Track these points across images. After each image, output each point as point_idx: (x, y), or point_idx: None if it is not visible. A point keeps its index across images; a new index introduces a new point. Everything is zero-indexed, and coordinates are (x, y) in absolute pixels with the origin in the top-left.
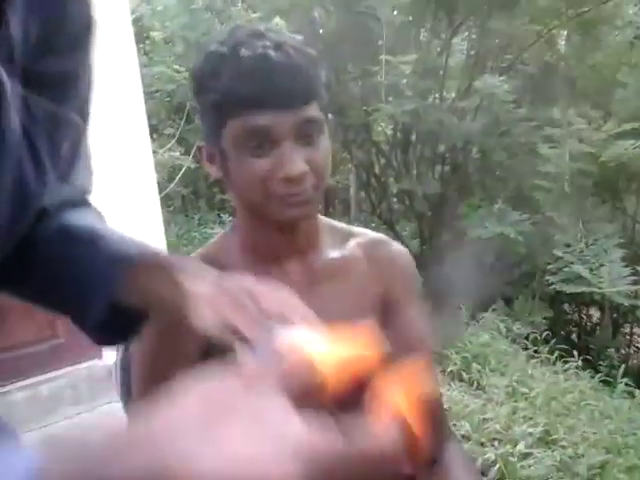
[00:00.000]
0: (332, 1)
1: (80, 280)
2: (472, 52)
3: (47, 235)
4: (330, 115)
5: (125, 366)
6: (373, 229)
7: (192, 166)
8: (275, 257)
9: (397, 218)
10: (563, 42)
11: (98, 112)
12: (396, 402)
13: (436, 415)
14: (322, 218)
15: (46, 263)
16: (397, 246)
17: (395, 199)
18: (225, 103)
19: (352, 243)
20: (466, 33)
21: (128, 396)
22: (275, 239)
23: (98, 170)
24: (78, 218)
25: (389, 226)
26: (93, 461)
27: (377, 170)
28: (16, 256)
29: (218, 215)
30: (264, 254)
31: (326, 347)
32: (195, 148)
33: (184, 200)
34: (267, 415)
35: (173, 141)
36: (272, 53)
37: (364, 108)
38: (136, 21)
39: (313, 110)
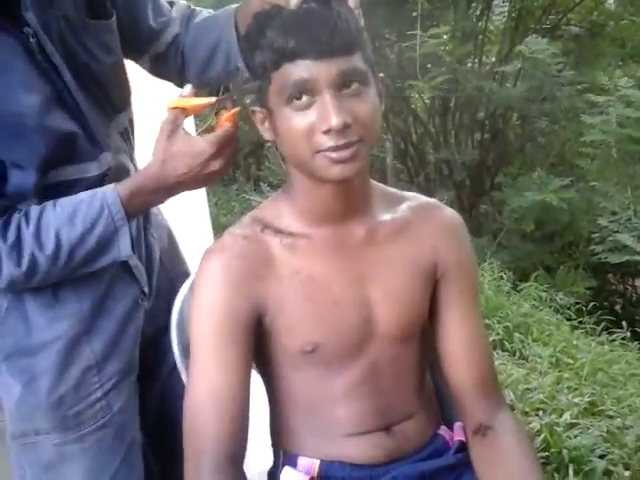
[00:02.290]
0: None
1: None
2: (513, 14)
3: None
4: (381, 74)
5: (181, 326)
6: None
7: None
8: (328, 218)
9: (435, 187)
10: (612, 0)
11: (141, 94)
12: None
13: (489, 383)
14: (373, 182)
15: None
16: (449, 210)
17: (433, 168)
18: (268, 58)
19: (404, 206)
20: None
21: (185, 357)
22: (328, 200)
23: (144, 145)
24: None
25: (427, 195)
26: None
27: (414, 139)
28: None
29: (255, 185)
30: (317, 215)
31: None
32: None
33: None
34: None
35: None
36: (314, 6)
37: (397, 84)
38: None
39: (356, 60)
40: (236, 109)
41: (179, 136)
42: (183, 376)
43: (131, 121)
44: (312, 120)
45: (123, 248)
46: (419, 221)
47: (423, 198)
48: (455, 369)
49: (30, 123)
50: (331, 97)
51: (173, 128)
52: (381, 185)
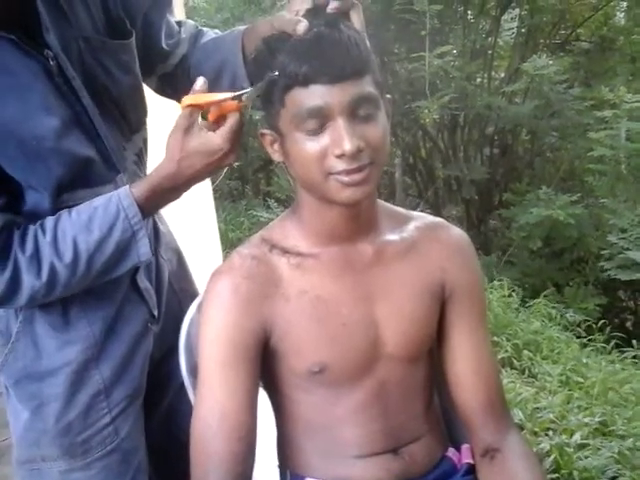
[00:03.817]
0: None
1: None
2: (523, 30)
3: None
4: (388, 95)
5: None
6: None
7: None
8: (336, 239)
9: (444, 203)
10: (622, 15)
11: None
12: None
13: (497, 404)
14: (380, 201)
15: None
16: (456, 230)
17: (442, 183)
18: (280, 82)
19: (411, 226)
20: (517, 10)
21: (193, 377)
22: (336, 221)
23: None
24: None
25: (436, 211)
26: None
27: (423, 154)
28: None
29: (264, 200)
30: (325, 236)
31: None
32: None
33: (230, 187)
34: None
35: None
36: (324, 30)
37: (406, 99)
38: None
39: (367, 85)
40: (246, 101)
41: (194, 134)
42: (191, 396)
43: (145, 141)
44: (325, 144)
45: (142, 251)
46: (426, 241)
47: (430, 217)
48: (463, 391)
49: (48, 146)
50: (344, 122)
51: (188, 126)
52: (388, 205)
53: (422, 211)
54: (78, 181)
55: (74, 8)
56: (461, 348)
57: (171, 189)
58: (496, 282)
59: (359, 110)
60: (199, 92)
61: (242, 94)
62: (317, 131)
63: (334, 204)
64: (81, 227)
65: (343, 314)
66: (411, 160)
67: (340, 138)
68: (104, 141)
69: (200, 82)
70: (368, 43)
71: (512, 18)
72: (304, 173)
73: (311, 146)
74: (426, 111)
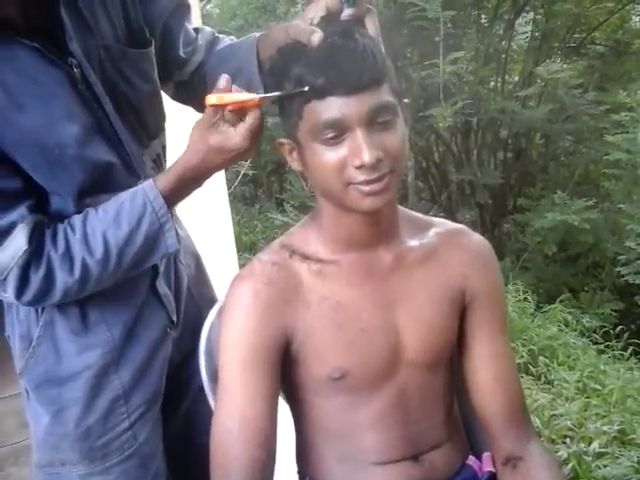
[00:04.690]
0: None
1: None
2: (537, 33)
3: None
4: (406, 100)
5: (209, 351)
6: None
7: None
8: (356, 245)
9: (457, 207)
10: (638, 18)
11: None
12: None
13: (518, 412)
14: (400, 207)
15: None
16: (477, 236)
17: (455, 187)
18: (294, 95)
19: (432, 232)
20: (531, 14)
21: (213, 382)
22: (356, 228)
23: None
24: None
25: (449, 215)
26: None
27: (436, 158)
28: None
29: (277, 204)
30: (345, 243)
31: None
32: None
33: (243, 190)
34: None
35: None
36: (339, 40)
37: (420, 104)
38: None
39: (384, 93)
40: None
41: (216, 130)
42: (211, 401)
43: (164, 147)
44: (343, 155)
45: (170, 243)
46: (447, 247)
47: (451, 224)
48: (484, 398)
49: (70, 153)
50: (362, 133)
51: (211, 124)
52: (408, 211)
53: (435, 215)
54: (100, 187)
55: (96, 17)
56: (482, 355)
57: (193, 179)
58: (511, 287)
59: (377, 119)
60: (223, 90)
61: (267, 97)
62: (336, 142)
63: (354, 212)
64: (110, 222)
65: (363, 320)
66: (424, 164)
67: (359, 149)
68: (125, 147)
69: (224, 81)
70: (383, 49)
71: (527, 22)
72: (323, 183)
73: (330, 157)
74: (440, 116)
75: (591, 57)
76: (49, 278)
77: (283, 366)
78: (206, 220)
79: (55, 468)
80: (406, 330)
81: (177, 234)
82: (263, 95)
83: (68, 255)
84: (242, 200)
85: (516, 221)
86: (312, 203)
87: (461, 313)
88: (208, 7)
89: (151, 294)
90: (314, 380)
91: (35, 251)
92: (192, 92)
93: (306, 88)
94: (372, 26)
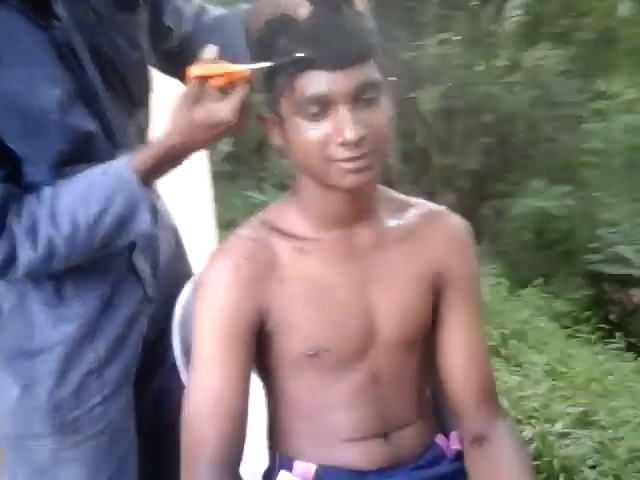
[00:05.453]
0: None
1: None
2: (526, 18)
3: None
4: (394, 77)
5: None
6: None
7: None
8: (336, 223)
9: (438, 189)
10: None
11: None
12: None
13: (488, 393)
14: (381, 187)
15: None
16: (456, 218)
17: (437, 171)
18: (281, 67)
19: (411, 213)
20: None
21: (186, 358)
22: (336, 205)
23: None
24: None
25: (430, 198)
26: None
27: (418, 140)
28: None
29: (258, 182)
30: (324, 220)
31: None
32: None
33: (224, 167)
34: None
35: None
36: (327, 14)
37: (404, 94)
38: None
39: (370, 70)
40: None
41: (202, 105)
42: (183, 377)
43: (148, 118)
44: (327, 131)
45: (143, 224)
46: (425, 228)
47: (430, 205)
48: (455, 379)
49: (51, 119)
50: (347, 110)
51: (195, 98)
52: (388, 190)
53: (416, 197)
54: (79, 156)
55: None
56: (455, 337)
57: (173, 158)
58: (486, 269)
59: (362, 96)
60: (208, 61)
61: (257, 68)
62: (319, 117)
63: (334, 189)
64: (79, 198)
65: (340, 298)
66: (407, 146)
67: (343, 126)
68: (108, 116)
69: (210, 50)
70: (372, 25)
71: (516, 7)
72: (305, 159)
73: (313, 133)
74: (425, 99)
75: (579, 44)
76: (11, 252)
77: (258, 342)
78: (186, 195)
79: (25, 441)
80: (382, 309)
81: (155, 211)
82: (252, 66)
83: (33, 230)
84: (223, 177)
85: (495, 207)
86: (292, 182)
87: (437, 294)
88: None
89: (128, 268)
90: (288, 357)
91: (0, 225)
92: (177, 63)
93: (296, 55)
94: (361, 2)
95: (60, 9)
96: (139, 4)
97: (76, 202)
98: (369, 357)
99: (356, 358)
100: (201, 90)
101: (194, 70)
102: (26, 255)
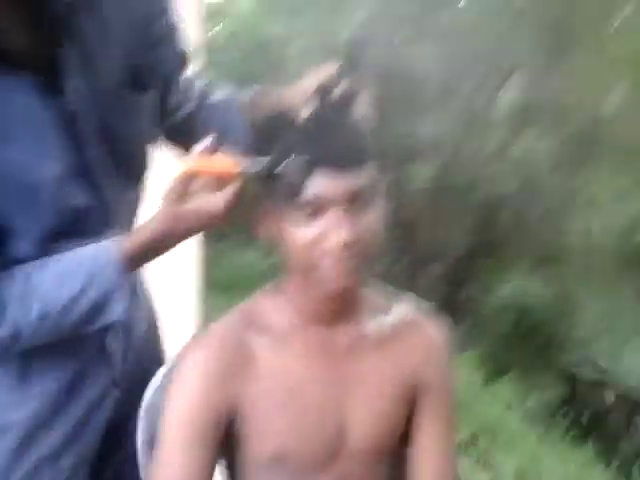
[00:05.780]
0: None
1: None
2: (519, 105)
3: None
4: (387, 176)
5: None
6: (395, 273)
7: None
8: (316, 320)
9: (420, 266)
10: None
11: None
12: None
13: None
14: (365, 289)
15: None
16: (433, 329)
17: (420, 247)
18: (276, 166)
19: (390, 319)
20: (515, 84)
21: (148, 448)
22: (318, 303)
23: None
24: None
25: (411, 273)
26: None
27: (403, 216)
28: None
29: (247, 242)
30: (306, 316)
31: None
32: None
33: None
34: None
35: None
36: (329, 118)
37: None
38: None
39: (365, 175)
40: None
41: (192, 196)
42: (142, 461)
43: (141, 194)
44: (317, 233)
45: (117, 312)
46: (402, 337)
47: (411, 312)
48: None
49: (46, 194)
50: (339, 214)
51: (184, 190)
52: (371, 291)
53: (397, 275)
54: (70, 231)
55: (99, 57)
56: (426, 451)
57: (158, 248)
58: (461, 357)
59: (356, 200)
60: (201, 156)
61: (246, 172)
62: (312, 218)
63: (318, 288)
64: (54, 282)
65: (310, 400)
66: (391, 221)
67: (333, 230)
68: (104, 193)
69: (203, 144)
70: (373, 122)
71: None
72: (293, 256)
73: (303, 232)
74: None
75: (568, 136)
76: None
77: (226, 439)
78: (172, 255)
79: None
80: (352, 416)
81: (134, 292)
82: (243, 168)
83: (1, 313)
84: (211, 236)
85: (474, 290)
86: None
87: (410, 404)
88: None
89: (99, 350)
90: (254, 459)
91: None
92: (178, 139)
93: (286, 163)
94: (366, 101)
95: (73, 85)
96: (150, 87)
97: (50, 286)
98: (336, 465)
99: (323, 465)
100: (190, 182)
101: (185, 165)
102: None
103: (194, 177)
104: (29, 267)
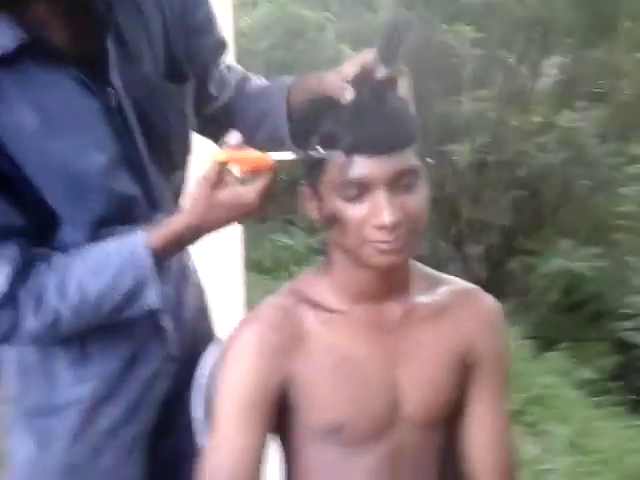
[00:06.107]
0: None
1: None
2: (563, 78)
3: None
4: (430, 159)
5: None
6: (439, 249)
7: None
8: (366, 297)
9: (465, 242)
10: None
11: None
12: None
13: (507, 477)
14: (414, 262)
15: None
16: (488, 299)
17: (465, 223)
18: (323, 149)
19: (443, 290)
20: (559, 57)
21: (207, 421)
22: (367, 281)
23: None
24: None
25: (456, 249)
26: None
27: (449, 190)
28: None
29: (286, 224)
30: (355, 294)
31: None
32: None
33: None
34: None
35: None
36: (370, 101)
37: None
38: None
39: (409, 157)
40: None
41: (223, 188)
42: (202, 438)
43: (184, 182)
44: (363, 213)
45: (150, 300)
46: (457, 307)
47: (463, 283)
48: (476, 462)
49: (94, 183)
50: (384, 194)
51: (217, 180)
52: (421, 266)
53: (443, 250)
54: (118, 218)
55: (139, 49)
56: (480, 419)
57: (189, 237)
58: (510, 328)
59: (400, 181)
60: (232, 147)
61: (280, 159)
62: (357, 199)
63: (367, 266)
64: (90, 271)
65: (365, 373)
66: (436, 196)
67: (380, 210)
68: (149, 180)
69: (234, 137)
70: (413, 111)
71: (552, 65)
72: (340, 237)
73: (350, 214)
74: (459, 152)
75: (616, 106)
76: (17, 321)
77: (279, 412)
78: (216, 235)
79: None
80: (407, 386)
81: (183, 271)
82: (276, 157)
83: (41, 300)
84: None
85: (523, 264)
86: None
87: (465, 374)
88: (243, 23)
89: (152, 327)
90: (309, 430)
91: (10, 293)
92: (218, 127)
93: (320, 150)
94: (405, 86)
95: (115, 77)
96: (189, 77)
97: (87, 274)
98: (391, 435)
99: (378, 436)
100: (222, 173)
101: (217, 155)
102: (29, 324)
103: (227, 167)
104: (67, 256)
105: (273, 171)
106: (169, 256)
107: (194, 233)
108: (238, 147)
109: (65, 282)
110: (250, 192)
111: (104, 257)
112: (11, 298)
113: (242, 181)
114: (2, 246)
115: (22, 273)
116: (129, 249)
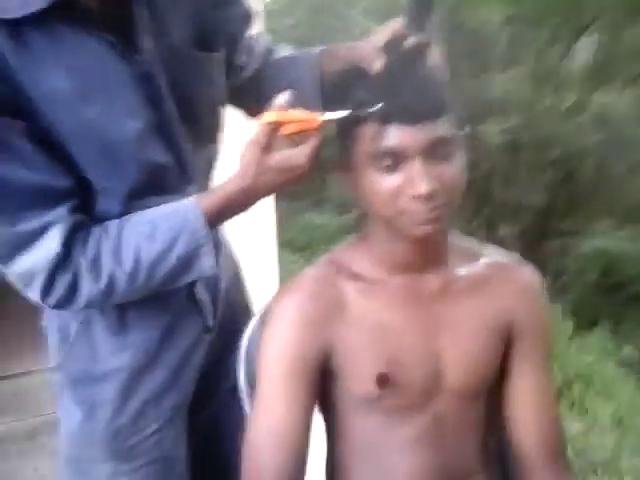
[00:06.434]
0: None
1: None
2: (598, 57)
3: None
4: (467, 128)
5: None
6: (471, 230)
7: None
8: (404, 268)
9: (498, 222)
10: None
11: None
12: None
13: (555, 451)
14: (452, 234)
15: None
16: (528, 270)
17: (499, 204)
18: (357, 118)
19: (482, 262)
20: (595, 35)
21: (250, 390)
22: (405, 251)
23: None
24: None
25: (490, 230)
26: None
27: (481, 171)
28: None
29: (317, 204)
30: (393, 265)
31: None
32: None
33: None
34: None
35: None
36: (403, 69)
37: (469, 126)
38: None
39: (444, 126)
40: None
41: (274, 150)
42: (246, 407)
43: (216, 154)
44: (399, 183)
45: (206, 266)
46: (496, 279)
47: (502, 255)
48: (522, 432)
49: (128, 151)
50: (419, 164)
51: (267, 143)
52: (459, 238)
53: (475, 230)
54: (151, 188)
55: (168, 16)
56: (523, 390)
57: (241, 202)
58: (551, 307)
59: (436, 150)
60: (281, 108)
61: (330, 118)
62: (392, 169)
63: (404, 237)
64: (145, 236)
65: (405, 343)
66: (469, 177)
67: (415, 180)
68: (181, 150)
69: (283, 97)
70: (447, 79)
71: (587, 45)
72: (376, 208)
73: (385, 184)
74: (490, 132)
75: None
76: (74, 285)
77: (321, 381)
78: (249, 214)
79: (84, 464)
80: (447, 358)
81: (217, 244)
82: (327, 116)
83: (96, 264)
84: (283, 195)
85: (559, 244)
86: (352, 204)
87: (506, 344)
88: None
89: (189, 299)
90: (351, 397)
91: (65, 255)
92: (246, 97)
93: (372, 109)
94: (436, 55)
95: (144, 42)
96: (219, 45)
97: (141, 239)
98: (432, 405)
99: (419, 405)
100: (272, 136)
101: (267, 117)
102: (88, 288)
103: (275, 129)
104: (120, 222)
105: (320, 132)
106: (222, 222)
107: (247, 197)
108: (285, 108)
109: (120, 246)
110: (300, 154)
111: (157, 222)
112: (66, 260)
113: (289, 145)
114: (52, 209)
115: (76, 236)
116: (182, 214)
